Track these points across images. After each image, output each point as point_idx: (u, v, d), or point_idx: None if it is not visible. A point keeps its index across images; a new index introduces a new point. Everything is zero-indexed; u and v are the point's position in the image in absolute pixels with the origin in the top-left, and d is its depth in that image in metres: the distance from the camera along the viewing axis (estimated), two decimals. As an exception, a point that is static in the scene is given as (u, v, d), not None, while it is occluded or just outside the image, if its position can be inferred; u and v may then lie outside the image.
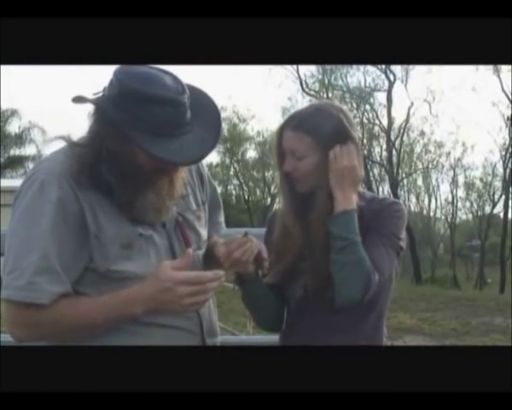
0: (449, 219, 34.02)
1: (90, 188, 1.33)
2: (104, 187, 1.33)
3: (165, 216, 1.41)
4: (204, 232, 1.55)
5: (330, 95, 25.20)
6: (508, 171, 26.30)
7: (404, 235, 1.57)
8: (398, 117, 27.27)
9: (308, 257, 1.54)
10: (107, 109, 1.28)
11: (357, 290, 1.45)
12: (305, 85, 26.13)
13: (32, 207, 1.31)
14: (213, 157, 29.73)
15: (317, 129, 1.51)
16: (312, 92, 26.24)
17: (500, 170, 28.46)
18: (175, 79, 1.31)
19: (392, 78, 25.33)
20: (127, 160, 1.31)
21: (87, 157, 1.32)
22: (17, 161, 25.34)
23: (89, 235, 1.32)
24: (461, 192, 33.02)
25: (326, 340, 1.50)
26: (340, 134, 1.52)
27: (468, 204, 33.82)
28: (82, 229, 1.31)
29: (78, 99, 1.29)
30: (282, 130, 1.56)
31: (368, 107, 26.62)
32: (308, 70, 25.93)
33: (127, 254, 1.35)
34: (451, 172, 30.67)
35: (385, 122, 26.31)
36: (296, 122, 1.53)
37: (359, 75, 26.16)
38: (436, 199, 34.28)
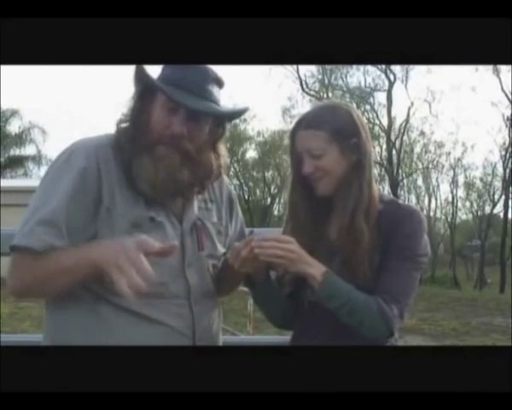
0: (449, 219, 34.04)
1: (115, 165, 1.40)
2: (127, 164, 1.40)
3: (162, 195, 1.41)
4: (220, 247, 1.56)
5: (330, 95, 25.23)
6: (508, 171, 26.33)
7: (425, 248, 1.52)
8: (398, 117, 27.33)
9: (320, 258, 1.48)
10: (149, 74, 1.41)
11: (379, 330, 1.45)
12: (305, 85, 26.17)
13: (57, 173, 1.40)
14: (213, 157, 29.68)
15: (329, 123, 1.48)
16: (312, 92, 26.27)
17: (500, 170, 28.53)
18: None
19: (392, 78, 25.40)
20: (142, 117, 1.41)
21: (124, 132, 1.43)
22: (17, 161, 25.37)
23: (101, 208, 1.36)
24: (461, 192, 33.09)
25: (337, 340, 1.49)
26: (351, 128, 1.50)
27: (468, 204, 33.89)
28: (96, 203, 1.36)
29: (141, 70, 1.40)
30: (293, 133, 1.53)
31: (368, 107, 26.66)
32: (308, 70, 26.00)
33: (135, 233, 1.35)
34: (451, 172, 30.71)
35: (385, 122, 26.37)
36: (307, 121, 1.51)
37: (359, 75, 26.33)
38: (436, 199, 34.30)
